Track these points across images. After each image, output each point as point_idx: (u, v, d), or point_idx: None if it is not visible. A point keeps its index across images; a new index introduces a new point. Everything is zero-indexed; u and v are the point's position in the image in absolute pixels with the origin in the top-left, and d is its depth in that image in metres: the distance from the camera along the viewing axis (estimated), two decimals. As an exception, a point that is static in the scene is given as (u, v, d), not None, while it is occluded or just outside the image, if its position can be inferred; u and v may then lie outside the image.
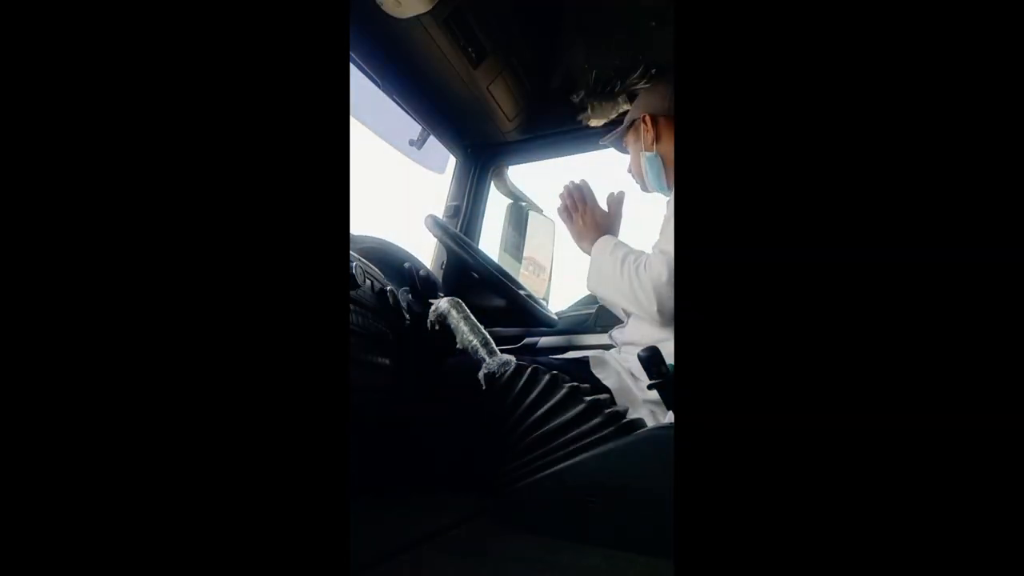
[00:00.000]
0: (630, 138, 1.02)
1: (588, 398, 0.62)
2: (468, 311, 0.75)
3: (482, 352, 0.69)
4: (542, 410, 0.63)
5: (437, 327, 0.77)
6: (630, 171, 1.05)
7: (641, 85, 1.19)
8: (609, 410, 0.61)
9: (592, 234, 0.93)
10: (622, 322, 0.99)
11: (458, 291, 1.04)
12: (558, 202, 0.99)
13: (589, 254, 0.93)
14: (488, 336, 0.72)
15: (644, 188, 1.02)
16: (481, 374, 0.68)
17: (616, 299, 0.89)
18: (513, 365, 0.67)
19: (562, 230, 1.55)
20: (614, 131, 1.06)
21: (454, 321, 0.73)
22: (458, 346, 0.74)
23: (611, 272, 0.86)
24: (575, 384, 0.64)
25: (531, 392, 0.64)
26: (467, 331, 0.72)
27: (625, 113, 1.23)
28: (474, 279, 1.06)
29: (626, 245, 0.91)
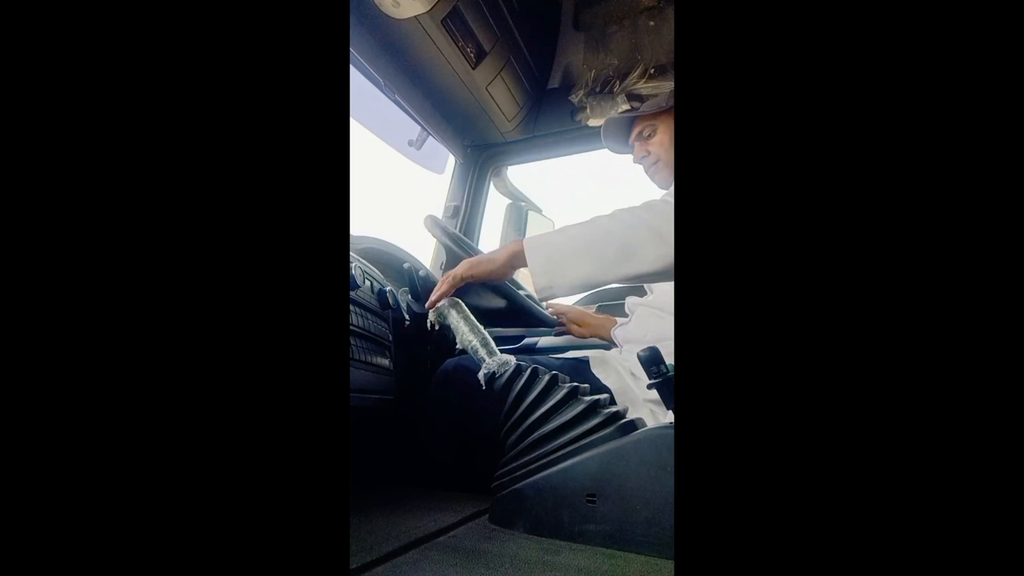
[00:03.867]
0: (661, 126, 0.97)
1: (588, 398, 0.62)
2: (468, 311, 0.75)
3: (482, 352, 0.69)
4: (542, 410, 0.63)
5: (437, 327, 0.77)
6: (639, 162, 1.01)
7: (641, 85, 1.19)
8: (609, 410, 0.61)
9: (601, 321, 1.08)
10: (625, 318, 0.99)
11: (458, 291, 1.04)
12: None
13: (617, 341, 0.99)
14: (488, 336, 0.72)
15: (655, 179, 0.99)
16: (481, 374, 0.68)
17: (621, 265, 0.67)
18: (513, 365, 0.67)
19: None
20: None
21: (454, 321, 0.73)
22: (458, 346, 0.74)
23: (600, 248, 0.67)
24: (575, 384, 0.64)
25: (531, 392, 0.64)
26: (467, 331, 0.72)
27: (624, 113, 1.23)
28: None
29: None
